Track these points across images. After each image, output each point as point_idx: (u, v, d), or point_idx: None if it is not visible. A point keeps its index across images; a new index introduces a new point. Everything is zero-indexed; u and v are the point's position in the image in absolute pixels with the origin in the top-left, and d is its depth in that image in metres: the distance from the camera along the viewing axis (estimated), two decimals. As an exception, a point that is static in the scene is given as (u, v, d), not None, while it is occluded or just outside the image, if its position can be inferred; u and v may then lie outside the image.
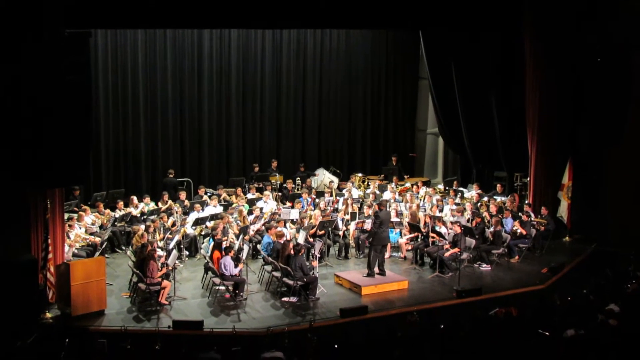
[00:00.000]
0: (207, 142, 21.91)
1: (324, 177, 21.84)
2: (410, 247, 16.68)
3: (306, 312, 13.28)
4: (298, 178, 21.36)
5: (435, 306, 13.68)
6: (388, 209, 16.31)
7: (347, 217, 17.43)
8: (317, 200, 18.57)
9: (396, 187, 20.40)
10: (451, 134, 22.18)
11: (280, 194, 20.09)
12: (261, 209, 17.38)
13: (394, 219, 16.84)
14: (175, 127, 21.39)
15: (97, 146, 19.82)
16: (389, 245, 16.00)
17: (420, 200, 18.90)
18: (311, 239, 15.72)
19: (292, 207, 17.74)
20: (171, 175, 20.08)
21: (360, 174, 22.46)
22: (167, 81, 21.06)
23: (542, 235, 17.29)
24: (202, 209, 17.35)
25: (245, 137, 22.66)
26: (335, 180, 21.61)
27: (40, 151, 11.95)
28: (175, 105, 21.29)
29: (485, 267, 16.04)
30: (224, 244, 14.31)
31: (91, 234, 16.03)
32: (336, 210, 17.94)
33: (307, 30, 23.07)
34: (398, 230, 17.11)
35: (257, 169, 21.36)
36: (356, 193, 19.88)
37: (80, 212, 16.46)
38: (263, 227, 16.24)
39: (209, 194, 18.85)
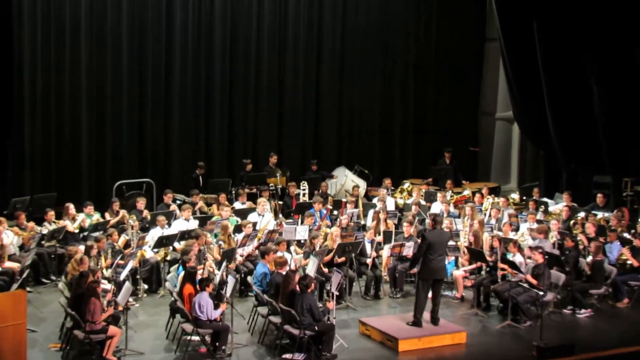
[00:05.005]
0: (177, 126, 22.05)
1: (345, 180, 21.86)
2: (469, 284, 16.59)
3: (318, 376, 13.23)
4: (304, 182, 21.32)
5: (506, 370, 13.61)
6: (443, 228, 16.16)
7: (379, 238, 17.32)
8: (335, 212, 18.47)
9: (450, 196, 20.31)
10: (531, 119, 22.23)
11: (281, 202, 20.01)
12: (254, 224, 17.32)
13: (450, 242, 16.73)
14: (130, 103, 21.51)
15: (19, 134, 20.00)
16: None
17: (485, 214, 18.80)
18: (326, 270, 15.67)
19: (300, 222, 17.65)
20: (201, 171, 20.68)
21: (407, 183, 22.18)
22: (122, 32, 21.10)
23: (663, 269, 17.15)
24: (169, 224, 17.33)
25: (233, 121, 22.76)
26: (362, 184, 21.57)
27: None
28: (132, 70, 21.36)
29: (580, 314, 15.89)
30: (199, 275, 14.20)
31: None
32: (362, 227, 17.81)
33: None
34: (453, 259, 16.98)
35: (249, 166, 21.40)
36: (392, 203, 19.76)
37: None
38: (256, 251, 16.20)
39: (178, 202, 18.87)
